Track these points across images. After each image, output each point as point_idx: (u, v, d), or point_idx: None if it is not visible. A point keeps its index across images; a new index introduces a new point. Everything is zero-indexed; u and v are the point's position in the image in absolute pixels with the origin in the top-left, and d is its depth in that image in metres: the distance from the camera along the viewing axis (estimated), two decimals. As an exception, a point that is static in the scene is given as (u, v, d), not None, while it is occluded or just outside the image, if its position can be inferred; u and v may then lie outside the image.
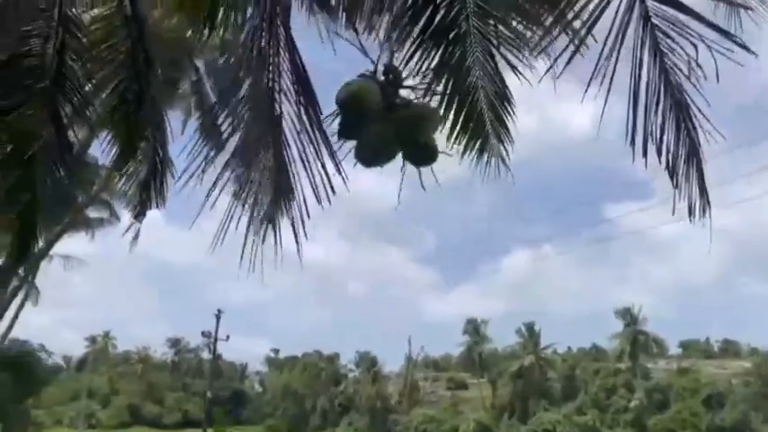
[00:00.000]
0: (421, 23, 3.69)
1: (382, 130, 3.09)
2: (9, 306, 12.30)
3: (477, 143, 3.47)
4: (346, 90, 3.07)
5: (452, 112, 3.55)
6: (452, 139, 3.47)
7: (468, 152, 3.51)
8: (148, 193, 5.75)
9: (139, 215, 5.80)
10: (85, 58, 5.54)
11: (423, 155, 3.20)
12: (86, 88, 5.68)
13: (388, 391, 53.42)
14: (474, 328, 51.41)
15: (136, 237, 5.08)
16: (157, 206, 5.62)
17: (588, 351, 55.65)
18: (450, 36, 3.72)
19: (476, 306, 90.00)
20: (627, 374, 43.44)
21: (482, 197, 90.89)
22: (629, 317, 45.24)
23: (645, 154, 2.60)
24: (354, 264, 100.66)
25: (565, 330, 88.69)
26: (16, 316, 16.59)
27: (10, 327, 16.26)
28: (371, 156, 3.11)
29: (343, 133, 3.13)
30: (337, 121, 3.24)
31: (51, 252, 18.32)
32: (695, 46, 2.49)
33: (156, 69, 5.92)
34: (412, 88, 3.27)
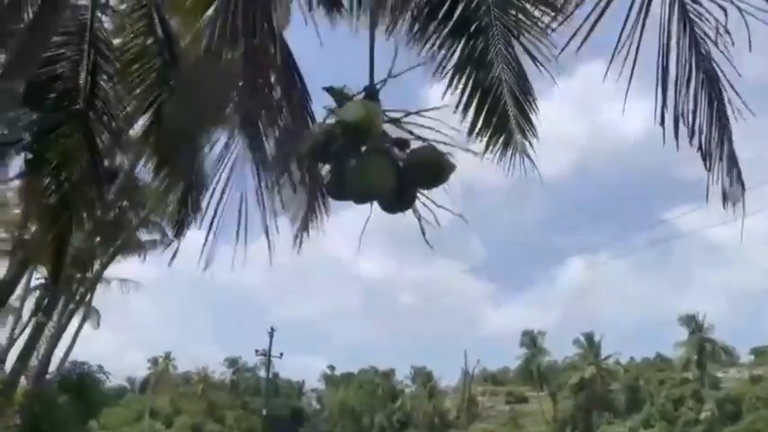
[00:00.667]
0: (441, 16, 3.58)
1: (385, 165, 2.57)
2: (65, 329, 12.67)
3: (501, 138, 3.34)
4: (357, 111, 2.55)
5: (474, 106, 3.43)
6: (475, 135, 3.35)
7: (491, 148, 3.39)
8: (186, 210, 5.79)
9: (179, 233, 5.85)
10: (117, 80, 5.64)
11: (405, 202, 2.66)
12: (121, 111, 5.79)
13: (445, 406, 52.73)
14: (531, 340, 50.31)
15: (174, 256, 5.07)
16: (195, 222, 5.64)
17: (652, 361, 53.55)
18: (472, 29, 3.60)
19: (532, 317, 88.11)
20: (695, 384, 41.61)
21: (533, 205, 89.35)
22: (693, 324, 43.43)
23: (676, 135, 2.40)
24: (406, 277, 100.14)
25: (625, 340, 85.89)
26: (75, 339, 17.14)
27: (69, 349, 16.82)
28: (364, 189, 2.58)
29: (333, 156, 2.66)
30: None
31: (108, 275, 18.90)
32: (724, 10, 2.29)
33: (189, 86, 5.96)
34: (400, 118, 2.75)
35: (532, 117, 3.26)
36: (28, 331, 10.69)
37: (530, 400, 52.01)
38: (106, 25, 5.69)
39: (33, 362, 13.13)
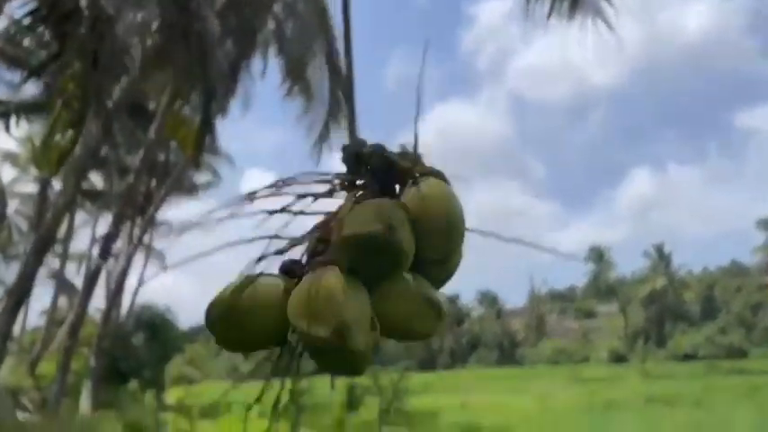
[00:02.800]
0: None
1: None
2: (127, 272, 12.86)
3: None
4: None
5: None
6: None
7: (553, 13, 2.78)
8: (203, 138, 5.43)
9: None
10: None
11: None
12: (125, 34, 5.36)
13: (513, 326, 52.88)
14: (598, 255, 49.25)
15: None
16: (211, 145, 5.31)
17: (727, 269, 51.61)
18: None
19: (599, 234, 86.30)
20: (774, 290, 40.03)
21: (595, 120, 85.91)
22: (771, 227, 41.39)
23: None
24: (466, 201, 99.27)
25: (698, 252, 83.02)
26: (141, 281, 17.59)
27: (135, 293, 17.29)
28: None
29: None
30: None
31: (169, 218, 19.17)
32: None
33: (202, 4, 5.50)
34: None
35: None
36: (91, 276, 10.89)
37: (598, 315, 51.46)
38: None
39: (101, 305, 13.54)
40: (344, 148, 0.71)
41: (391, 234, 0.63)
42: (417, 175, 0.70)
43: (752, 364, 28.27)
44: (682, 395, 15.96)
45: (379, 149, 0.72)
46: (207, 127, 6.65)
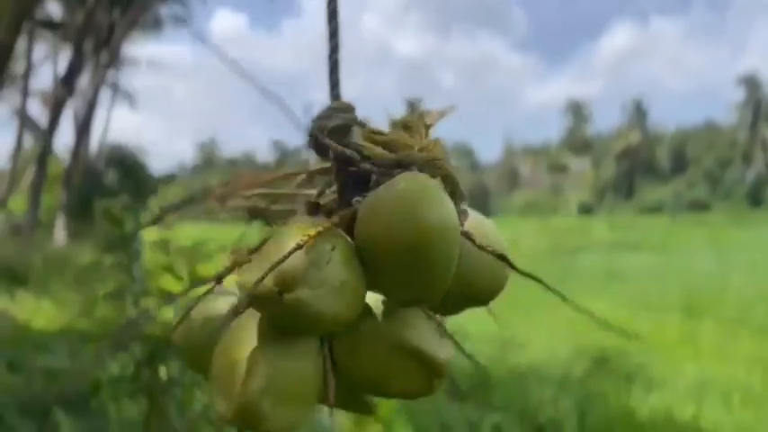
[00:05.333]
0: None
1: None
2: (94, 106, 12.33)
3: None
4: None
5: None
6: None
7: None
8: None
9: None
10: None
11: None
12: None
13: (486, 180, 53.71)
14: (576, 109, 49.11)
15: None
16: None
17: (701, 127, 52.06)
18: None
19: (577, 88, 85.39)
20: (745, 147, 40.68)
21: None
22: (752, 84, 41.20)
23: None
24: (446, 55, 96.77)
25: (674, 109, 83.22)
26: (109, 118, 17.05)
27: (104, 132, 16.81)
28: None
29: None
30: None
31: (138, 56, 18.16)
32: None
33: None
34: None
35: None
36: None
37: (571, 169, 52.31)
38: None
39: (69, 144, 13.14)
40: (311, 125, 0.39)
41: (289, 294, 0.32)
42: (397, 164, 0.38)
43: (714, 217, 29.33)
44: (646, 242, 16.61)
45: (346, 121, 0.41)
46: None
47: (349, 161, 0.38)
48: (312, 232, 0.34)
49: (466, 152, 55.48)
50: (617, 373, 4.43)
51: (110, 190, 16.09)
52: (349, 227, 0.36)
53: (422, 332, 0.38)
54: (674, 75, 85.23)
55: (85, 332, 3.36)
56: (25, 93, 17.94)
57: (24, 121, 18.46)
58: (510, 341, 4.80)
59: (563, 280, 9.40)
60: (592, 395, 3.78)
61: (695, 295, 7.42)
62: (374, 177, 0.38)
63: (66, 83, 9.70)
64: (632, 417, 3.49)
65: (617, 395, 3.87)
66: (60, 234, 10.14)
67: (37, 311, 4.48)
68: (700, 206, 36.60)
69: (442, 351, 0.38)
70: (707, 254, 12.94)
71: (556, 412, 3.43)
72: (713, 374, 4.47)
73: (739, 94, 42.29)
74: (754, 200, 37.62)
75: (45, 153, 9.18)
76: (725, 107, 43.81)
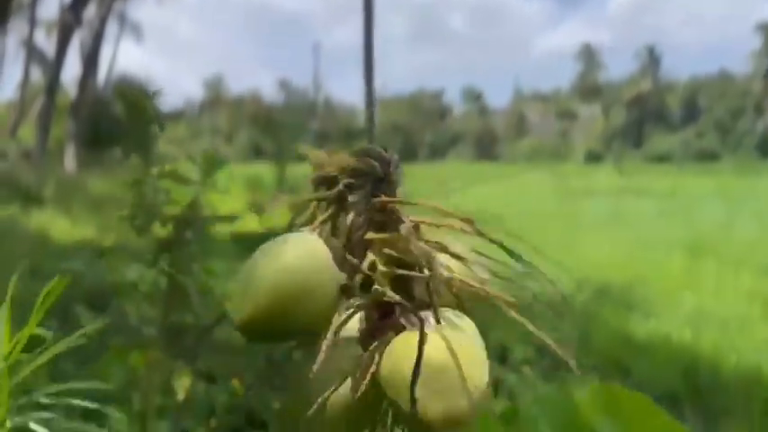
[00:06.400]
0: None
1: None
2: (101, 36, 12.17)
3: None
4: None
5: None
6: None
7: None
8: None
9: None
10: None
11: None
12: None
13: (495, 125, 53.19)
14: (588, 54, 48.16)
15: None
16: None
17: (715, 76, 51.02)
18: None
19: (591, 35, 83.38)
20: (758, 97, 39.99)
21: None
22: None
23: None
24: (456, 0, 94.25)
25: (688, 61, 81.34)
26: (116, 51, 16.83)
27: (111, 64, 16.62)
28: None
29: None
30: None
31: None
32: None
33: None
34: None
35: None
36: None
37: (581, 116, 51.66)
38: None
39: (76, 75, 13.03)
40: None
41: None
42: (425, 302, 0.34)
43: (723, 167, 29.15)
44: (652, 189, 16.59)
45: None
46: None
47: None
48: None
49: (475, 96, 54.79)
50: (617, 302, 4.54)
51: (118, 120, 16.02)
52: None
53: None
54: (689, 25, 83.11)
55: (102, 246, 3.45)
56: (32, 22, 17.73)
57: (31, 51, 18.30)
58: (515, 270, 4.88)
59: (568, 222, 9.48)
60: (592, 320, 3.89)
61: (699, 237, 7.47)
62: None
63: (73, 10, 9.57)
64: (631, 339, 3.60)
65: (617, 321, 3.98)
66: (71, 162, 10.19)
67: (53, 226, 4.56)
68: (708, 156, 36.30)
69: None
70: (713, 200, 12.95)
71: (558, 334, 3.53)
72: (712, 306, 4.57)
73: (756, 43, 41.30)
74: (764, 151, 37.26)
75: (53, 83, 9.13)
76: (741, 59, 42.81)
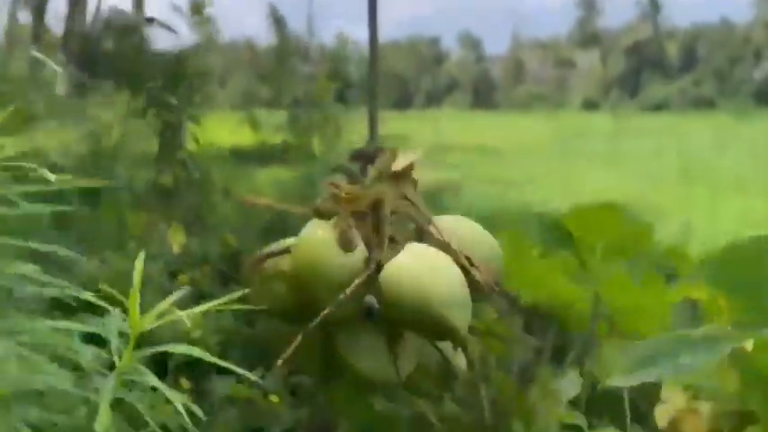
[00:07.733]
0: None
1: None
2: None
3: None
4: None
5: None
6: None
7: None
8: None
9: None
10: None
11: None
12: None
13: (492, 72, 52.61)
14: (588, 1, 47.29)
15: None
16: None
17: (715, 25, 50.21)
18: None
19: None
20: (758, 44, 39.57)
21: None
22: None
23: None
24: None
25: (690, 11, 79.92)
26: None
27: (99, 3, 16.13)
28: None
29: None
30: None
31: None
32: None
33: None
34: None
35: None
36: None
37: (578, 64, 51.04)
38: None
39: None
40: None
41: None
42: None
43: (719, 113, 29.00)
44: (649, 129, 16.62)
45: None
46: None
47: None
48: None
49: (472, 43, 53.95)
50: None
51: (110, 55, 15.72)
52: None
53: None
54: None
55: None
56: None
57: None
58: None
59: (565, 158, 9.50)
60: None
61: (691, 167, 7.54)
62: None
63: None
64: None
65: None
66: (61, 90, 10.03)
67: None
68: (705, 103, 36.07)
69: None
70: (706, 143, 12.99)
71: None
72: (703, 224, 4.63)
73: (759, -7, 40.53)
74: (761, 98, 37.01)
75: (37, 26, 8.90)
76: (743, 8, 42.11)
